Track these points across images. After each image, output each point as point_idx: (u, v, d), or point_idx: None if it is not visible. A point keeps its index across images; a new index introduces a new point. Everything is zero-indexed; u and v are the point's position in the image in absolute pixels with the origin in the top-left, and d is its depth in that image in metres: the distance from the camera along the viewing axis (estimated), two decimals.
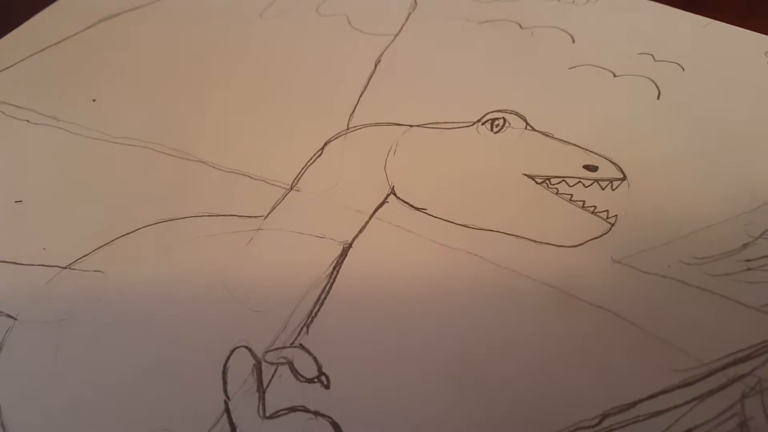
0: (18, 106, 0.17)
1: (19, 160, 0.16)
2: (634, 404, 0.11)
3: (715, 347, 0.12)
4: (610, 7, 0.19)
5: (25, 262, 0.14)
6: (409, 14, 0.19)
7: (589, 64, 0.17)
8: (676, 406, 0.11)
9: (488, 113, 0.16)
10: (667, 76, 0.17)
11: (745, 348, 0.12)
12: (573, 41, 0.18)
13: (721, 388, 0.11)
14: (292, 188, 0.15)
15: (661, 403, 0.11)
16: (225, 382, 0.11)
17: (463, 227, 0.14)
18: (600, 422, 0.11)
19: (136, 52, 0.19)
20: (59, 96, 0.18)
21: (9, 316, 0.13)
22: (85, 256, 0.14)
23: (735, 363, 0.11)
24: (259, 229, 0.14)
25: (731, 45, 0.18)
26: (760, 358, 0.11)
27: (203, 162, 0.16)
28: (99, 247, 0.14)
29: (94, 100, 0.17)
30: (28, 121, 0.17)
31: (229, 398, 0.11)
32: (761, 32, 0.18)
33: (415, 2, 0.19)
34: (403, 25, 0.19)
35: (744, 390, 0.11)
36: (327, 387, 0.11)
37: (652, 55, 0.17)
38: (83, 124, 0.17)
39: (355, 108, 0.17)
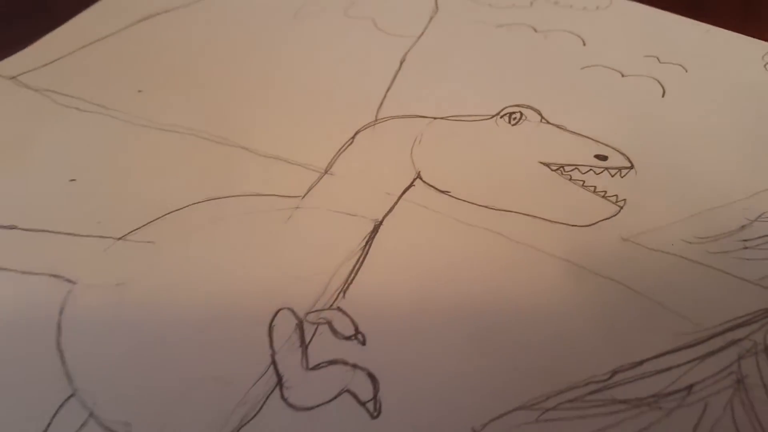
0: (67, 95, 0.19)
1: (71, 143, 0.17)
2: (641, 363, 0.12)
3: (714, 315, 0.13)
4: (617, 14, 0.20)
5: (82, 234, 0.15)
6: (431, 18, 0.21)
7: (599, 65, 0.19)
8: (678, 365, 0.12)
9: (506, 107, 0.17)
10: (671, 77, 0.18)
11: (741, 315, 0.13)
12: (584, 44, 0.19)
13: (720, 349, 0.12)
14: (326, 172, 0.16)
15: (665, 362, 0.12)
16: (271, 339, 0.13)
17: (483, 208, 0.15)
18: (611, 377, 0.12)
19: (176, 49, 0.20)
20: (106, 86, 0.19)
21: (69, 280, 0.14)
22: (137, 229, 0.15)
23: (732, 329, 0.13)
24: (297, 208, 0.15)
25: (730, 49, 0.19)
26: (755, 324, 0.13)
27: (244, 148, 0.17)
28: (150, 222, 0.15)
29: (140, 91, 0.19)
30: (77, 108, 0.18)
31: (275, 352, 0.12)
32: (758, 37, 0.19)
33: (437, 7, 0.21)
34: (426, 28, 0.20)
35: (740, 352, 0.12)
36: (363, 344, 0.13)
37: (657, 58, 0.19)
38: (130, 112, 0.18)
39: (382, 101, 0.18)
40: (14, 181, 0.16)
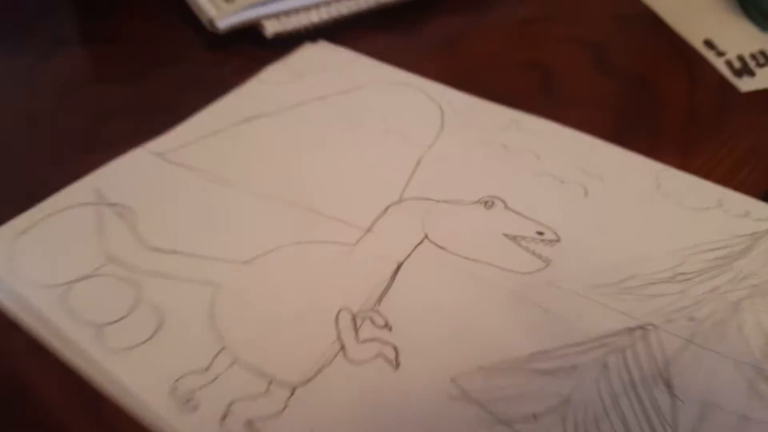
0: (195, 168, 0.29)
1: (197, 201, 0.27)
2: (549, 350, 0.21)
3: (596, 329, 0.22)
4: (563, 139, 0.31)
5: (219, 257, 0.24)
6: (438, 134, 0.31)
7: (547, 174, 0.29)
8: (569, 354, 0.21)
9: (483, 197, 0.27)
10: (592, 184, 0.28)
11: (615, 330, 0.22)
12: (538, 158, 0.29)
13: (596, 347, 0.21)
14: (368, 230, 0.26)
15: (565, 349, 0.21)
16: (337, 324, 0.22)
17: (465, 258, 0.24)
18: (528, 358, 0.21)
19: (268, 141, 0.30)
20: (223, 164, 0.29)
21: (216, 284, 0.24)
22: (257, 257, 0.24)
23: (608, 335, 0.22)
24: (351, 251, 0.25)
25: (633, 166, 0.29)
26: (620, 336, 0.22)
27: (313, 210, 0.26)
28: (259, 255, 0.25)
29: (247, 173, 0.29)
30: (202, 178, 0.28)
31: (340, 331, 0.22)
32: (660, 159, 0.29)
33: (443, 127, 0.31)
34: (435, 140, 0.30)
35: (606, 351, 0.21)
36: (390, 330, 0.22)
37: (584, 170, 0.29)
38: (237, 183, 0.28)
39: (405, 187, 0.28)
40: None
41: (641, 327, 0.22)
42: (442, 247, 0.25)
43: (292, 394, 0.20)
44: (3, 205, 0.27)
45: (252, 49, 0.36)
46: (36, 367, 0.22)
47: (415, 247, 0.25)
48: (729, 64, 0.36)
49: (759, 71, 0.35)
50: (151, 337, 0.22)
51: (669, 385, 0.20)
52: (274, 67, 0.35)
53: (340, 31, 0.37)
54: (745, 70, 0.35)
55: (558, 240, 0.25)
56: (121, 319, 0.22)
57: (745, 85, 0.35)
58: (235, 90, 0.33)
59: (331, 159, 0.29)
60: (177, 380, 0.21)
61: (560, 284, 0.24)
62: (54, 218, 0.26)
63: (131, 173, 0.28)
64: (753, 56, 0.36)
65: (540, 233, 0.26)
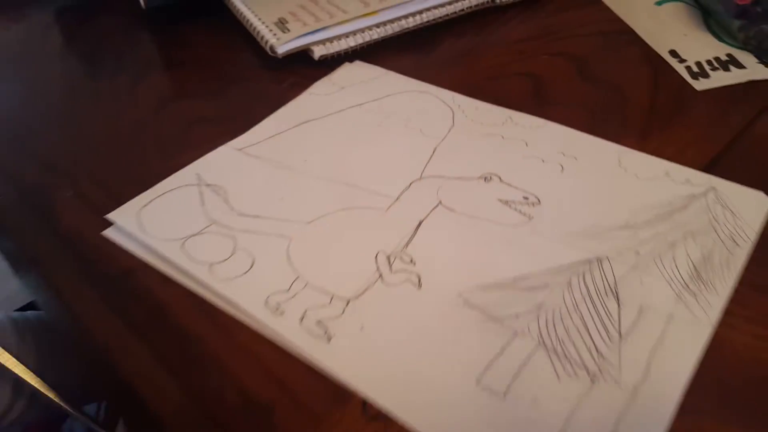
0: (269, 159, 0.38)
1: (267, 183, 0.36)
2: (523, 277, 0.30)
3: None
4: (547, 131, 0.39)
5: (292, 219, 0.34)
6: (450, 128, 0.40)
7: (533, 156, 0.37)
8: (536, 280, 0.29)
9: (483, 173, 0.36)
10: (568, 163, 0.37)
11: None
12: (527, 145, 0.38)
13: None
14: (396, 199, 0.35)
15: (530, 276, 0.30)
16: (376, 261, 0.31)
17: (466, 215, 0.33)
18: (514, 281, 0.29)
19: (319, 138, 0.40)
20: (288, 156, 0.38)
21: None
22: (316, 219, 0.34)
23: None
24: (385, 212, 0.34)
25: (601, 149, 0.37)
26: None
27: (355, 185, 0.36)
28: (318, 217, 0.34)
29: (305, 161, 0.38)
30: (275, 167, 0.38)
31: (378, 266, 0.30)
32: (628, 145, 0.37)
33: (453, 124, 0.40)
34: (447, 133, 0.39)
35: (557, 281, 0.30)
36: (414, 264, 0.30)
37: (563, 153, 0.37)
38: (298, 169, 0.37)
39: (424, 168, 0.37)
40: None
41: (598, 258, 0.30)
42: (452, 210, 0.34)
43: (347, 304, 0.29)
44: (126, 188, 0.37)
45: (303, 68, 0.46)
46: (168, 293, 0.31)
47: (432, 210, 0.34)
48: (689, 69, 0.44)
49: (713, 74, 0.43)
50: (247, 271, 0.31)
51: (616, 296, 0.29)
52: (321, 82, 0.44)
53: (372, 52, 0.47)
54: (701, 74, 0.43)
55: (539, 202, 0.34)
56: (225, 260, 0.32)
57: (701, 85, 0.43)
58: (292, 101, 0.43)
59: (367, 149, 0.39)
60: (268, 297, 0.30)
61: (539, 233, 0.32)
62: (168, 195, 0.36)
63: (221, 163, 0.38)
64: (709, 62, 0.44)
65: (526, 198, 0.34)
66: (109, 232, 0.34)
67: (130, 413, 0.28)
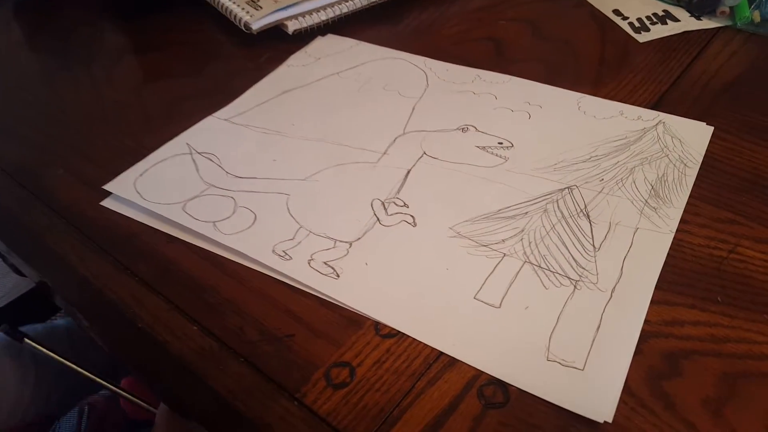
0: (255, 126, 0.40)
1: (257, 147, 0.38)
2: (509, 206, 0.33)
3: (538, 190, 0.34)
4: (514, 85, 0.43)
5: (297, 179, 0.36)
6: (425, 89, 0.43)
7: (503, 107, 0.41)
8: (519, 209, 0.33)
9: (461, 125, 0.39)
10: (534, 111, 0.40)
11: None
12: (496, 98, 0.41)
13: (538, 202, 0.33)
14: (384, 153, 0.37)
15: (514, 207, 0.33)
16: (372, 207, 0.33)
17: (449, 162, 0.36)
18: (497, 211, 0.33)
19: (305, 102, 0.42)
20: (274, 121, 0.40)
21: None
22: (315, 173, 0.36)
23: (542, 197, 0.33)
24: (374, 165, 0.36)
25: (563, 97, 0.41)
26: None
27: (342, 144, 0.38)
28: (314, 173, 0.36)
29: (292, 125, 0.40)
30: (261, 133, 0.40)
31: (375, 212, 0.33)
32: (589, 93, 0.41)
33: (428, 84, 0.43)
34: (423, 93, 0.42)
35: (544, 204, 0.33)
36: (408, 207, 0.33)
37: (528, 102, 0.41)
38: (287, 132, 0.39)
39: (406, 124, 0.39)
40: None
41: (568, 187, 0.34)
42: (435, 158, 0.37)
43: (350, 246, 0.32)
44: (116, 162, 0.38)
45: (277, 43, 0.48)
46: (174, 251, 0.33)
47: (418, 160, 0.37)
48: (631, 24, 0.49)
49: (653, 27, 0.48)
50: (251, 226, 0.33)
51: (587, 216, 0.32)
52: (297, 54, 0.46)
53: (343, 26, 0.49)
54: (642, 28, 0.48)
55: (512, 146, 0.37)
56: (227, 218, 0.34)
57: (642, 37, 0.47)
58: (270, 74, 0.45)
59: (351, 111, 0.41)
60: (274, 246, 0.32)
61: (514, 170, 0.35)
62: (161, 164, 0.38)
63: (209, 132, 0.40)
64: (648, 17, 0.49)
65: (500, 143, 0.37)
66: (107, 202, 0.35)
67: (152, 359, 0.30)
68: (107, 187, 0.36)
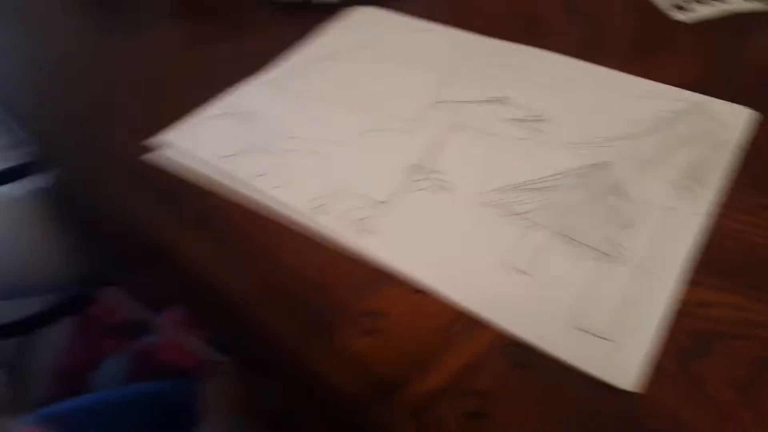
0: (298, 90, 0.41)
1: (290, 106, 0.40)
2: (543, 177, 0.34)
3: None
4: (543, 59, 0.43)
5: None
6: (460, 61, 0.43)
7: (539, 81, 0.41)
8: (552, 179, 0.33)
9: (493, 96, 0.39)
10: (568, 85, 0.40)
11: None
12: (532, 72, 0.42)
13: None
14: (418, 121, 0.38)
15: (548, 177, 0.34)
16: (404, 171, 0.34)
17: (484, 132, 0.37)
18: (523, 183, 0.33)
19: (336, 71, 0.43)
20: (309, 89, 0.41)
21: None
22: (343, 139, 0.37)
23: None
24: (405, 131, 0.37)
25: (592, 73, 0.41)
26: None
27: (377, 111, 0.39)
28: (344, 139, 0.37)
29: (328, 91, 0.41)
30: (302, 96, 0.41)
31: (406, 172, 0.34)
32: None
33: (461, 57, 0.43)
34: (457, 66, 0.43)
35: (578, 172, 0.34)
36: (440, 173, 0.34)
37: (562, 77, 0.41)
38: (329, 98, 0.40)
39: (441, 94, 0.40)
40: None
41: (602, 163, 0.34)
42: (467, 128, 0.37)
43: (383, 204, 0.33)
44: (164, 119, 0.39)
45: (319, 13, 0.49)
46: (217, 199, 0.34)
47: (451, 129, 0.37)
48: (675, 4, 0.48)
49: (698, 7, 0.47)
50: (289, 181, 0.34)
51: (621, 192, 0.33)
52: (335, 24, 0.47)
53: None
54: (687, 8, 0.47)
55: (545, 119, 0.38)
56: (268, 173, 0.35)
57: (685, 17, 0.46)
58: (310, 42, 0.46)
59: (385, 81, 0.42)
60: (311, 200, 0.33)
61: (548, 144, 0.36)
62: (207, 122, 0.39)
63: (251, 94, 0.41)
64: None
65: (533, 115, 0.38)
66: (153, 155, 0.37)
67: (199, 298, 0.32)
68: (156, 140, 0.38)
